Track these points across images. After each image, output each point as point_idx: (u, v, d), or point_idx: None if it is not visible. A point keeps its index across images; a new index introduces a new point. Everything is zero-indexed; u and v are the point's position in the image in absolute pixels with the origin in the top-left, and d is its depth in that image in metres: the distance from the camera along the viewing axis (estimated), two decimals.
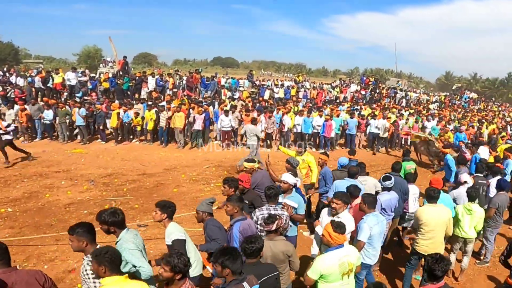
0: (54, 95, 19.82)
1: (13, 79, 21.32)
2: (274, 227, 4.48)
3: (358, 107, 22.43)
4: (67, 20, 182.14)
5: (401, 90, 35.22)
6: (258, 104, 19.46)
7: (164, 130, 15.97)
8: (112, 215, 4.14)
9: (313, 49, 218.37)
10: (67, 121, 15.80)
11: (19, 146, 13.20)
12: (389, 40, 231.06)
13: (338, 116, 18.02)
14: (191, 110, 16.37)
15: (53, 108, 15.84)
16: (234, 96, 21.98)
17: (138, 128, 16.35)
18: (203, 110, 16.05)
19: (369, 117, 18.83)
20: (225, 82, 26.55)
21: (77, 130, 16.23)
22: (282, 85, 26.56)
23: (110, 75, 22.25)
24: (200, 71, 24.92)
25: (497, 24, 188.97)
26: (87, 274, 3.74)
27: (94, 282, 3.73)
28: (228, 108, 16.57)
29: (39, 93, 19.82)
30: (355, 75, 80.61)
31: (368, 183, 7.50)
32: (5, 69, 24.96)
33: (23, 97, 17.86)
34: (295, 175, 6.57)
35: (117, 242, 4.16)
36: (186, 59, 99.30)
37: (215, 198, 5.66)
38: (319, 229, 5.37)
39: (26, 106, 15.70)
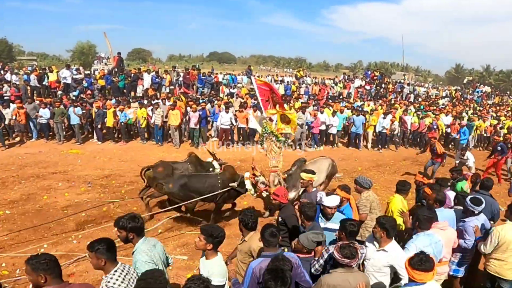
0: (50, 93, 20.15)
1: (7, 76, 21.66)
2: (358, 260, 4.05)
3: (360, 103, 22.58)
4: (60, 15, 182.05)
5: (408, 84, 35.32)
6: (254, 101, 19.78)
7: (159, 128, 16.33)
8: (132, 220, 4.09)
9: (313, 42, 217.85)
10: (64, 120, 16.13)
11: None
12: (394, 31, 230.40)
13: (342, 112, 18.24)
14: (188, 108, 16.69)
15: (49, 106, 16.15)
16: (232, 92, 22.21)
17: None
18: (199, 107, 16.42)
19: (370, 115, 18.82)
20: (223, 79, 26.79)
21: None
22: (282, 81, 26.75)
23: (106, 72, 22.56)
24: (197, 67, 25.20)
25: (510, 11, 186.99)
26: None
27: None
28: (222, 104, 16.97)
29: (34, 91, 20.16)
30: (359, 69, 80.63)
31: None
32: None
33: (19, 96, 18.21)
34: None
35: (133, 252, 4.15)
36: (182, 54, 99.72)
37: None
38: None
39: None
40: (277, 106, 9.38)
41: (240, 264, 4.83)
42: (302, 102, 20.90)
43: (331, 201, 5.51)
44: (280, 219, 5.81)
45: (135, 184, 11.64)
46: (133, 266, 4.03)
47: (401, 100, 27.26)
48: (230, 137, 16.83)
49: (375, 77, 33.14)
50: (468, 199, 5.90)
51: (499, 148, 13.49)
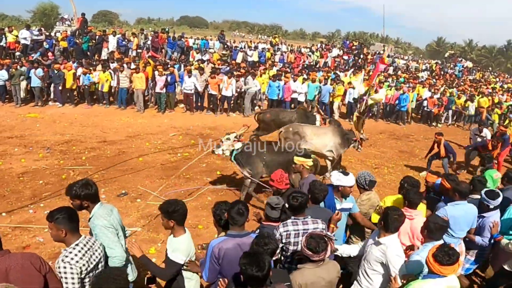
0: (7, 54, 19.37)
1: None
2: (328, 254, 3.71)
3: (337, 73, 22.56)
4: None
5: (387, 56, 35.48)
6: (225, 67, 19.61)
7: (128, 92, 16.15)
8: (85, 187, 3.90)
9: (290, 9, 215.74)
10: (22, 82, 15.55)
11: None
12: (375, 1, 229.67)
13: (314, 81, 18.22)
14: (156, 72, 16.37)
15: (6, 68, 15.54)
16: (204, 58, 21.88)
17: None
18: (166, 71, 16.15)
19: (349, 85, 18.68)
20: (194, 43, 26.26)
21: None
22: (256, 48, 26.47)
23: (69, 34, 21.83)
24: (167, 31, 24.64)
25: None
26: (60, 273, 3.37)
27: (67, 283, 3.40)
28: (192, 69, 16.81)
29: None
30: (336, 39, 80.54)
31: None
32: None
33: None
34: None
35: (89, 219, 3.98)
36: (150, 18, 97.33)
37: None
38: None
39: None
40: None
41: None
42: (277, 70, 20.76)
43: (350, 180, 5.22)
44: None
45: (97, 150, 11.42)
46: (92, 232, 3.93)
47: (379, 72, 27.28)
48: (199, 103, 16.81)
49: (353, 47, 33.16)
50: (483, 192, 5.55)
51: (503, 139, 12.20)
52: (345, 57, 29.67)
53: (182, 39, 24.01)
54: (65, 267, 3.34)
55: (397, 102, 18.97)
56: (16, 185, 8.87)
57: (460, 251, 5.03)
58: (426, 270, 3.84)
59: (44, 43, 20.14)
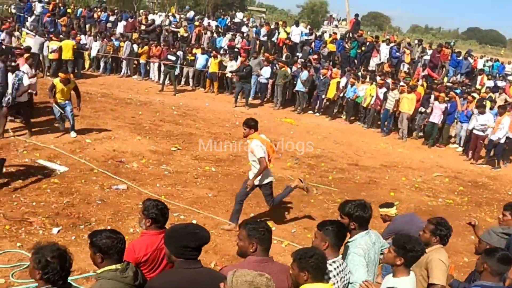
0: (277, 50, 22.45)
1: (244, 28, 25.43)
2: None
3: None
4: None
5: None
6: None
7: (390, 113, 16.06)
8: (360, 208, 4.15)
9: None
10: (284, 82, 17.84)
11: None
12: None
13: None
14: (432, 96, 15.83)
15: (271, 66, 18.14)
16: (499, 85, 19.78)
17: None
18: (446, 98, 15.31)
19: None
20: (484, 66, 24.23)
21: None
22: None
23: (338, 37, 23.08)
24: (452, 45, 23.80)
25: None
26: None
27: None
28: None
29: (263, 46, 22.76)
30: None
31: None
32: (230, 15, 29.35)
33: (247, 49, 21.11)
34: None
35: (348, 241, 4.23)
36: (428, 26, 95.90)
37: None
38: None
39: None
40: None
41: None
42: None
43: None
44: None
45: (346, 173, 11.83)
46: (345, 258, 4.15)
47: None
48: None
49: None
50: None
51: None
52: None
53: (470, 57, 22.51)
54: None
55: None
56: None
57: None
58: None
59: (312, 44, 22.09)
